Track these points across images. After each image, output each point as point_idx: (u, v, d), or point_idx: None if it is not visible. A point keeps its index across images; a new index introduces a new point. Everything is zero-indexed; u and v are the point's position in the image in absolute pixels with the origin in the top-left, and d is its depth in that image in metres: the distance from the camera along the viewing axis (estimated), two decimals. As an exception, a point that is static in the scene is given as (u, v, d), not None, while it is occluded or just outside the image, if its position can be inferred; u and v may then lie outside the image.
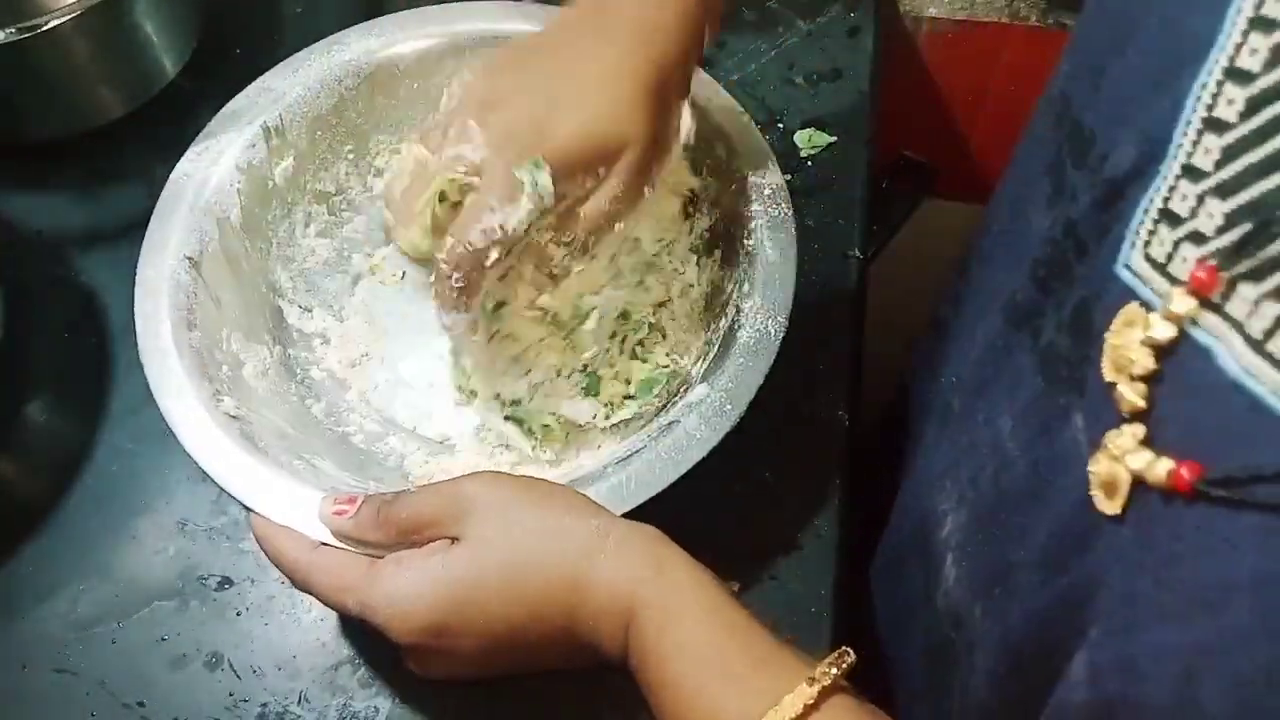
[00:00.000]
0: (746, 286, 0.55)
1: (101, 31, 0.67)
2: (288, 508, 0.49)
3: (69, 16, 0.62)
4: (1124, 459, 0.31)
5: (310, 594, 0.48)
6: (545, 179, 0.48)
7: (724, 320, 0.56)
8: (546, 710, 0.53)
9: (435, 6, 0.65)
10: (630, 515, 0.48)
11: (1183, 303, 0.30)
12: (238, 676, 0.55)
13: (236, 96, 0.62)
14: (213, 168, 0.59)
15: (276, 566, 0.49)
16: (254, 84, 0.62)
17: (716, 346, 0.55)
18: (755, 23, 0.76)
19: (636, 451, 0.51)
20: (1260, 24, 0.29)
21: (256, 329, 0.60)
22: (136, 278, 0.56)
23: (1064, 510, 0.36)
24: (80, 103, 0.70)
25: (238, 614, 0.57)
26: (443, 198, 0.51)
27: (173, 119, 0.72)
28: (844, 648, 0.41)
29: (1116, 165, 0.35)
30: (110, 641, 0.56)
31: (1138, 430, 0.31)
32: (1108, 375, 0.33)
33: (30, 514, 0.59)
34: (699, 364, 0.57)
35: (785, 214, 0.57)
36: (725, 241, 0.59)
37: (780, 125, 0.71)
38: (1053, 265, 0.39)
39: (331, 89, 0.63)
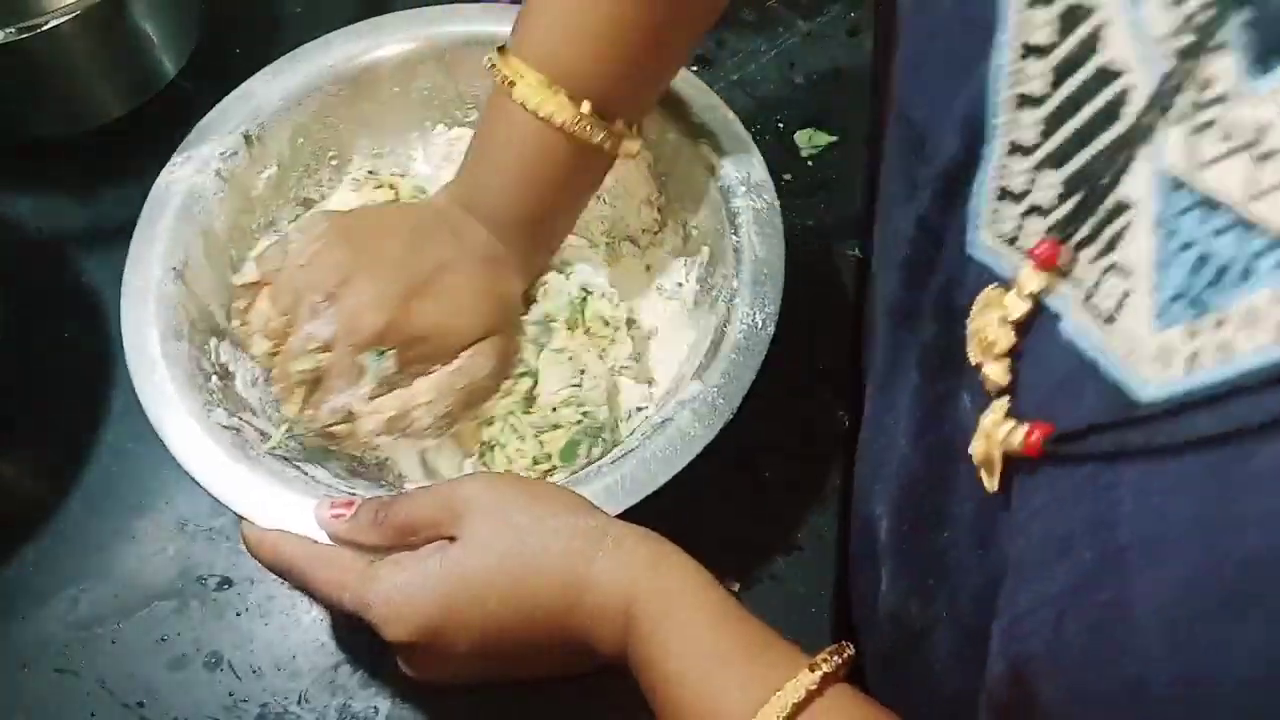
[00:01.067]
0: (735, 282, 0.55)
1: (101, 31, 0.67)
2: (283, 515, 0.49)
3: (69, 16, 0.62)
4: (994, 434, 0.32)
5: (306, 593, 0.48)
6: (388, 364, 0.52)
7: (714, 317, 0.56)
8: (547, 711, 0.53)
9: (414, 10, 0.65)
10: (628, 515, 0.48)
11: (1032, 279, 0.30)
12: (238, 676, 0.55)
13: (217, 105, 0.61)
14: (195, 177, 0.59)
15: (272, 568, 0.49)
16: (234, 92, 0.62)
17: (708, 343, 0.55)
18: (755, 23, 0.76)
19: (630, 450, 0.51)
20: None
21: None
22: (123, 289, 0.55)
23: (976, 486, 0.36)
24: (80, 103, 0.70)
25: (238, 614, 0.57)
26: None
27: (173, 119, 0.72)
28: (844, 640, 0.41)
29: (945, 155, 0.35)
30: (110, 641, 0.56)
31: (1003, 405, 0.32)
32: (973, 358, 0.33)
33: (30, 514, 0.59)
34: (691, 360, 0.57)
35: (771, 207, 0.57)
36: (712, 239, 0.59)
37: (780, 125, 0.71)
38: (916, 263, 0.39)
39: (313, 95, 0.63)
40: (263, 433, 0.54)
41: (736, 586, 0.56)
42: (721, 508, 0.57)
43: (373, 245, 0.54)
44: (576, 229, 0.61)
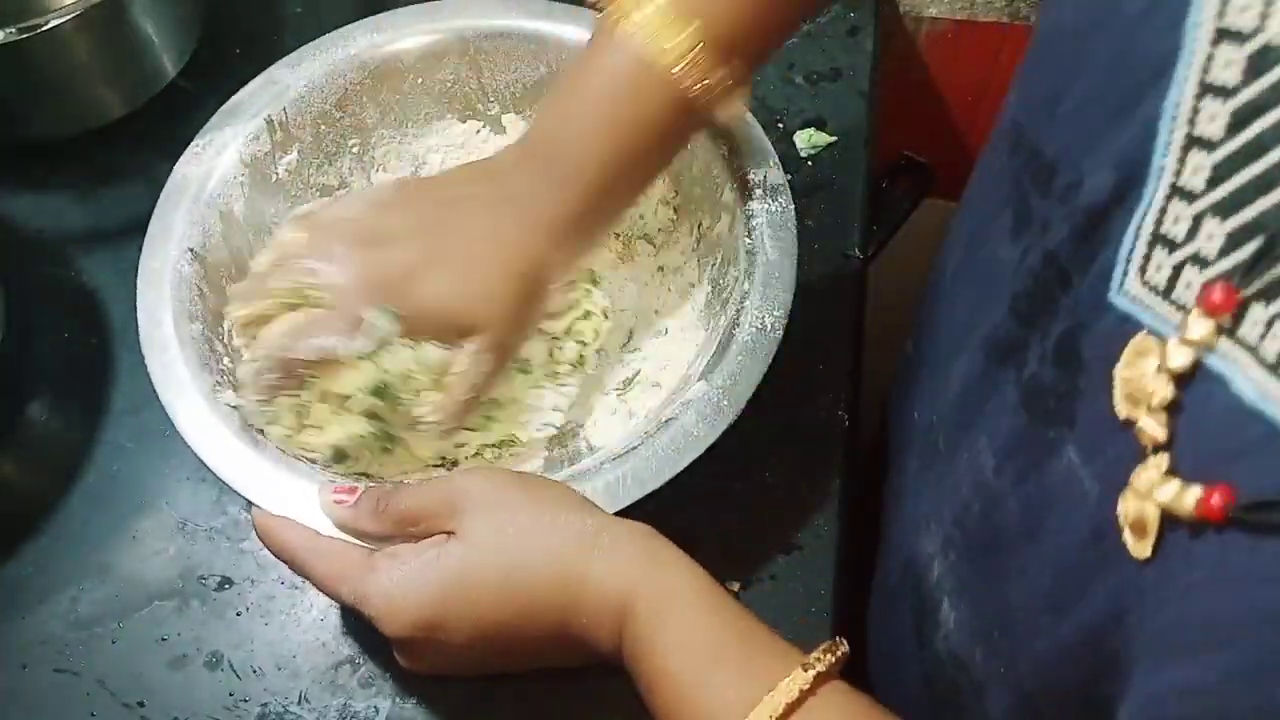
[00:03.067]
0: (747, 285, 0.55)
1: (101, 31, 0.67)
2: (286, 499, 0.49)
3: (69, 16, 0.62)
4: (1152, 493, 0.30)
5: (308, 581, 0.48)
6: (390, 328, 0.50)
7: (723, 318, 0.56)
8: (547, 711, 0.53)
9: (439, 2, 0.65)
10: (628, 514, 0.48)
11: (1200, 326, 0.28)
12: (238, 676, 0.55)
13: (241, 90, 0.62)
14: (216, 160, 0.59)
15: (277, 556, 0.49)
16: (258, 77, 0.62)
17: (715, 344, 0.55)
18: (755, 23, 0.76)
19: (633, 448, 0.51)
20: (1228, 35, 0.28)
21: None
22: (139, 269, 0.56)
23: (1065, 549, 0.35)
24: (80, 103, 0.70)
25: (238, 614, 0.57)
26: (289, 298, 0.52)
27: (173, 119, 0.72)
28: (838, 638, 0.41)
29: (1092, 193, 0.34)
30: (110, 641, 0.56)
31: (1161, 462, 0.30)
32: (1122, 411, 0.31)
33: (30, 514, 0.59)
34: (699, 361, 0.57)
35: (786, 211, 0.57)
36: (725, 240, 0.59)
37: (780, 125, 0.71)
38: (1034, 298, 0.38)
39: (336, 83, 0.63)
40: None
41: (736, 586, 0.56)
42: (722, 507, 0.57)
43: (414, 209, 0.52)
44: None
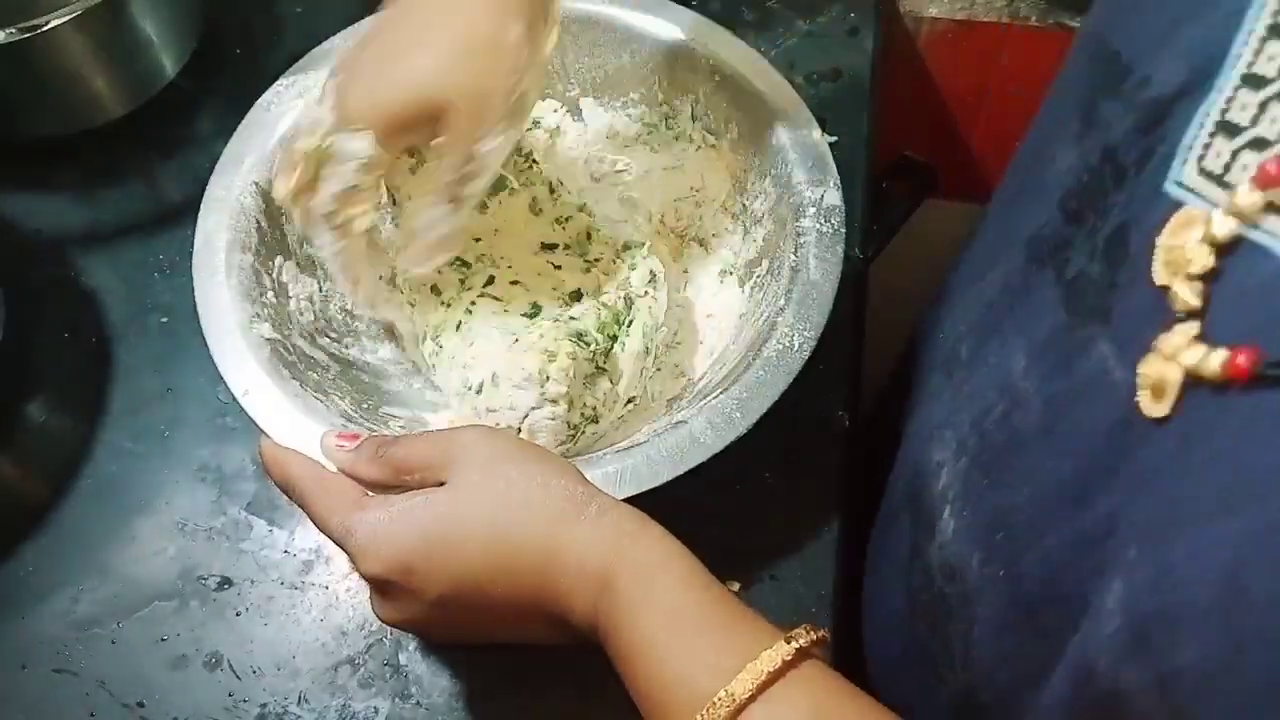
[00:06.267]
0: (783, 301, 0.55)
1: (101, 31, 0.67)
2: (293, 435, 0.50)
3: (69, 16, 0.62)
4: (1177, 357, 0.30)
5: (305, 512, 0.48)
6: (361, 145, 0.51)
7: (754, 330, 0.56)
8: (547, 711, 0.53)
9: None
10: (628, 507, 0.48)
11: (1249, 197, 0.29)
12: (237, 676, 0.55)
13: (332, 38, 0.63)
14: (296, 101, 0.61)
15: (280, 485, 0.49)
16: (350, 28, 0.63)
17: (741, 354, 0.55)
18: (755, 23, 0.76)
19: (639, 444, 0.51)
20: None
21: (310, 264, 0.61)
22: (205, 195, 0.58)
23: (1091, 438, 0.35)
24: (80, 103, 0.70)
25: (238, 614, 0.57)
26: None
27: (173, 119, 0.72)
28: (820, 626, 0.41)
29: (1162, 86, 0.34)
30: (110, 641, 0.56)
31: (1191, 328, 0.31)
32: (1159, 278, 0.32)
33: (30, 514, 0.59)
34: (719, 369, 0.57)
35: (837, 233, 0.57)
36: (772, 253, 0.59)
37: (780, 125, 0.71)
38: (1085, 195, 0.38)
39: None
40: (303, 353, 0.56)
41: (736, 586, 0.56)
42: (722, 507, 0.57)
43: (372, 40, 0.53)
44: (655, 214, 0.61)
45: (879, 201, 0.75)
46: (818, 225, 0.57)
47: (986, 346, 0.45)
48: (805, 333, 0.54)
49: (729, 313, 0.62)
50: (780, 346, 0.53)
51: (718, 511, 0.57)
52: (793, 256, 0.57)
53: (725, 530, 0.57)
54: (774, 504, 0.58)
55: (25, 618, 0.57)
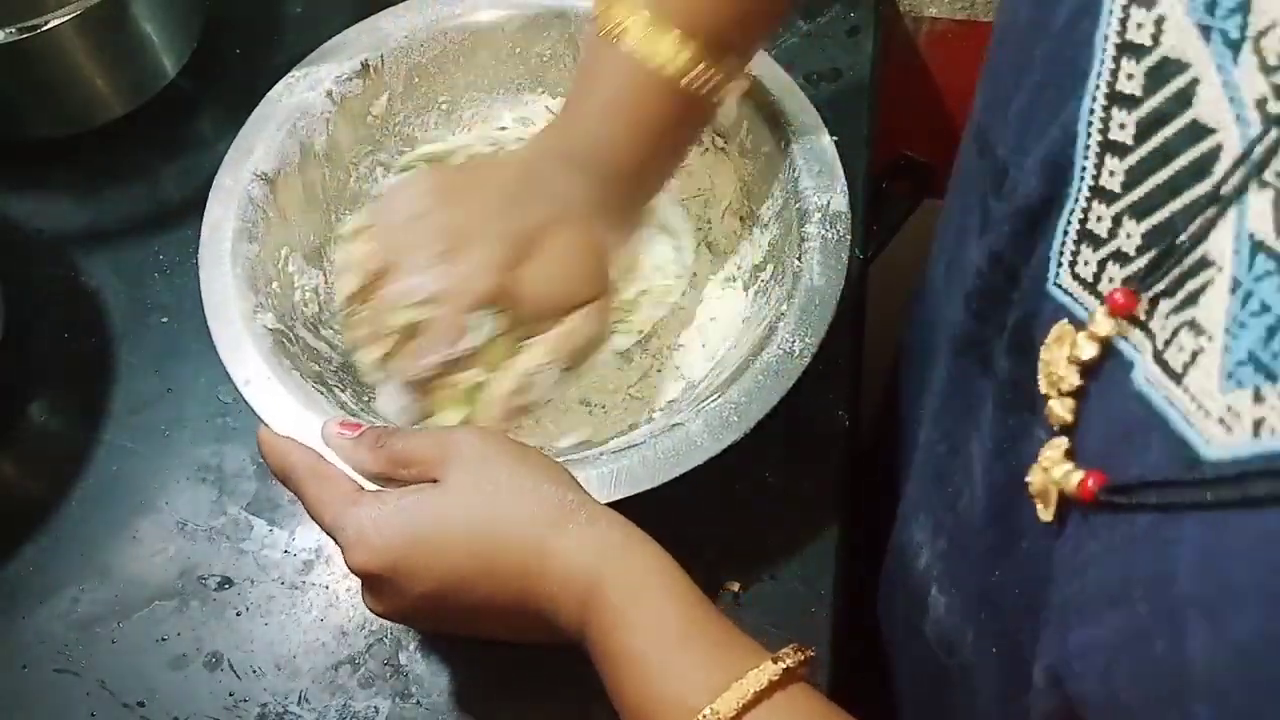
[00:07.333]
0: (785, 307, 0.55)
1: (101, 31, 0.67)
2: (295, 426, 0.50)
3: (69, 16, 0.62)
4: (1051, 471, 0.32)
5: (300, 501, 0.49)
6: (493, 326, 0.52)
7: (751, 335, 0.56)
8: (548, 711, 0.53)
9: None
10: (625, 509, 0.47)
11: (1105, 323, 0.30)
12: (238, 676, 0.55)
13: (342, 32, 0.63)
14: (307, 94, 0.61)
15: (277, 473, 0.49)
16: (362, 22, 0.64)
17: (741, 358, 0.55)
18: (755, 23, 0.76)
19: (634, 446, 0.51)
20: (1127, 49, 0.30)
21: (317, 255, 0.61)
22: (213, 184, 0.58)
23: (1033, 526, 0.36)
24: (80, 103, 0.70)
25: (238, 614, 0.57)
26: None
27: (173, 119, 0.72)
28: (807, 646, 0.41)
29: (1028, 193, 0.35)
30: (110, 641, 0.56)
31: (1063, 443, 0.32)
32: (1043, 387, 0.33)
33: (30, 514, 0.59)
34: (719, 373, 0.57)
35: (842, 240, 0.57)
36: (777, 258, 0.59)
37: (780, 125, 0.71)
38: (985, 295, 0.39)
39: (437, 39, 0.64)
40: (306, 344, 0.56)
41: (736, 586, 0.56)
42: (722, 507, 0.57)
43: (478, 205, 0.54)
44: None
45: (879, 201, 0.75)
46: (823, 231, 0.57)
47: (941, 434, 0.46)
48: (806, 339, 0.53)
49: (731, 316, 0.62)
50: (780, 352, 0.53)
51: (718, 511, 0.57)
52: (797, 262, 0.56)
53: (725, 530, 0.57)
54: (774, 504, 0.58)
55: (26, 618, 0.57)
